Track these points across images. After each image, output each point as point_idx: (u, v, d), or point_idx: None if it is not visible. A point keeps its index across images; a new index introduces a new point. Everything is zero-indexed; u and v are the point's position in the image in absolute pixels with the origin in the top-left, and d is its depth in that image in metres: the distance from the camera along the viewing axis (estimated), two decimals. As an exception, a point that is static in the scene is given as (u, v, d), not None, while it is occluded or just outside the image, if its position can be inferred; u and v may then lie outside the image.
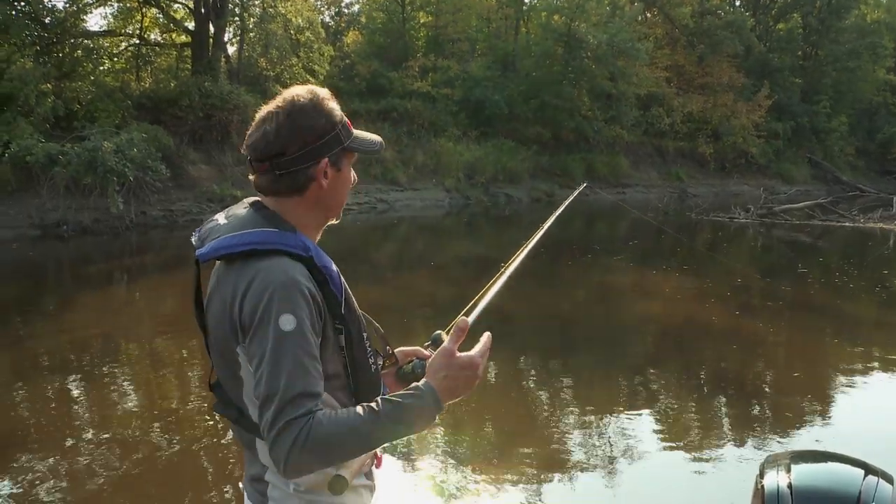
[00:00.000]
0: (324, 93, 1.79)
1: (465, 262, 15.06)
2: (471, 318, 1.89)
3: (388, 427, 1.58)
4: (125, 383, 7.30)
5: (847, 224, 22.70)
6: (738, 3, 47.42)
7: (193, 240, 1.78)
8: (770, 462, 2.55)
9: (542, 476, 5.28)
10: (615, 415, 6.61)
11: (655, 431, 6.32)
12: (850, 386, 7.75)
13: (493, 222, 24.32)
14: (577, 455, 5.68)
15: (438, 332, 1.92)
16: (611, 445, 5.90)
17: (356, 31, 38.09)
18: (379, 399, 1.60)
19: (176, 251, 16.31)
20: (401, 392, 1.63)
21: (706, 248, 19.34)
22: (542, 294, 12.28)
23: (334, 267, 1.74)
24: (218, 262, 1.71)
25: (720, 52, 41.50)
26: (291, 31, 25.30)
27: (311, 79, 25.95)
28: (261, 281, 1.58)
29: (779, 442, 5.93)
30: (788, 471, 2.42)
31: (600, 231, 23.91)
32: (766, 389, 7.76)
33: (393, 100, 29.74)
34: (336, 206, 1.85)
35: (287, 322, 1.54)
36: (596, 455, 5.68)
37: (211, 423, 6.10)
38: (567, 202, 2.66)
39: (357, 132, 1.84)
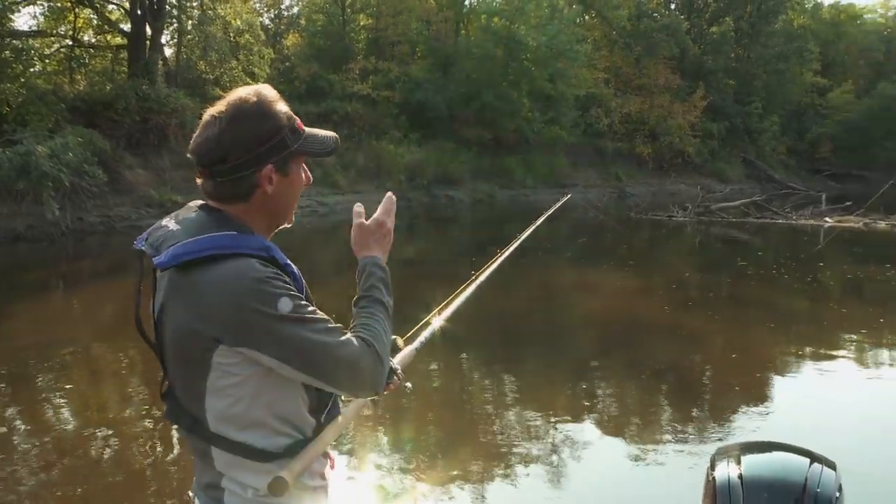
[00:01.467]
0: (271, 94, 1.72)
1: (408, 265, 15.08)
2: (444, 316, 2.18)
3: (389, 307, 1.84)
4: (63, 393, 7.11)
5: (780, 221, 23.33)
6: (673, 7, 48.33)
7: (141, 247, 1.69)
8: (720, 454, 2.65)
9: (487, 476, 5.30)
10: (560, 414, 6.67)
11: (601, 429, 6.40)
12: (787, 377, 8.00)
13: (435, 224, 24.38)
14: (522, 454, 5.69)
15: (394, 336, 1.94)
16: (557, 445, 5.93)
17: (296, 34, 37.84)
18: (367, 297, 1.83)
19: (114, 258, 16.01)
20: (365, 283, 1.86)
21: (647, 246, 19.69)
22: (484, 293, 12.36)
23: (295, 267, 1.71)
24: (169, 270, 1.63)
25: (656, 54, 42.33)
26: (231, 34, 25.01)
27: (251, 81, 25.67)
28: (234, 283, 1.55)
29: (724, 435, 6.03)
30: (738, 462, 2.52)
31: (542, 231, 24.10)
32: (709, 383, 7.94)
33: (333, 102, 29.62)
34: (284, 211, 1.80)
35: (284, 305, 1.56)
36: (541, 454, 5.72)
37: (153, 431, 6.03)
38: (550, 211, 2.78)
39: (309, 131, 1.79)
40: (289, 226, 1.85)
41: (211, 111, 1.69)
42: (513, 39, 32.91)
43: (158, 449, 5.68)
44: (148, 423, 6.18)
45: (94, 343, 9.08)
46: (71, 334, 9.50)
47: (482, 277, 2.47)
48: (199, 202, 1.76)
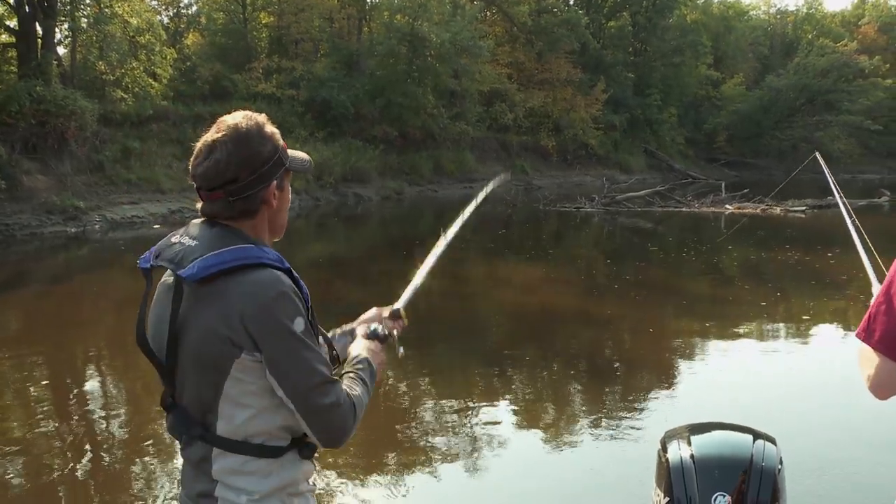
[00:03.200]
0: (261, 118, 1.88)
1: (320, 264, 15.01)
2: (400, 305, 2.34)
3: (370, 389, 1.95)
4: None
5: (684, 209, 24.14)
6: (572, 2, 49.20)
7: (151, 265, 1.82)
8: (669, 437, 2.84)
9: (408, 471, 5.36)
10: (487, 408, 6.76)
11: (532, 419, 6.55)
12: (707, 355, 8.35)
13: (345, 222, 24.31)
14: (446, 449, 5.76)
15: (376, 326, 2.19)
16: (497, 439, 5.98)
17: (196, 33, 36.98)
18: (358, 370, 1.96)
19: (16, 267, 15.44)
20: (355, 365, 1.98)
21: (557, 237, 20.07)
22: (393, 289, 12.39)
23: (302, 281, 1.84)
24: (183, 283, 1.74)
25: (557, 48, 43.03)
26: (130, 33, 24.26)
27: (153, 83, 25.03)
28: (263, 291, 1.70)
29: (659, 417, 6.19)
30: (689, 443, 2.72)
31: (449, 225, 24.28)
32: (631, 367, 8.20)
33: (238, 102, 28.90)
34: (282, 224, 1.96)
35: (299, 324, 1.72)
36: (475, 449, 5.77)
37: (69, 452, 5.90)
38: (486, 190, 2.89)
39: (289, 151, 1.94)
40: (278, 239, 1.97)
41: (209, 138, 1.81)
42: (416, 36, 32.94)
43: (67, 468, 5.56)
44: (57, 441, 6.03)
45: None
46: None
47: (450, 235, 2.82)
48: (201, 220, 1.86)
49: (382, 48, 33.19)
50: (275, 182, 1.85)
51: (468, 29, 34.65)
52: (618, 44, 49.60)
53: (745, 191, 26.05)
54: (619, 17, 50.48)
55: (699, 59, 52.76)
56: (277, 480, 1.79)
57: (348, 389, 1.83)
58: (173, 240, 1.83)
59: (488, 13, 45.16)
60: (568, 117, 42.13)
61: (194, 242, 1.77)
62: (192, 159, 1.84)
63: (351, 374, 1.93)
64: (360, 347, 2.07)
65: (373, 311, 2.31)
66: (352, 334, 2.21)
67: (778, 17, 69.86)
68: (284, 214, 1.96)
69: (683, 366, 8.08)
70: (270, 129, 1.88)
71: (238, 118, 1.84)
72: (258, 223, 1.86)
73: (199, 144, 1.83)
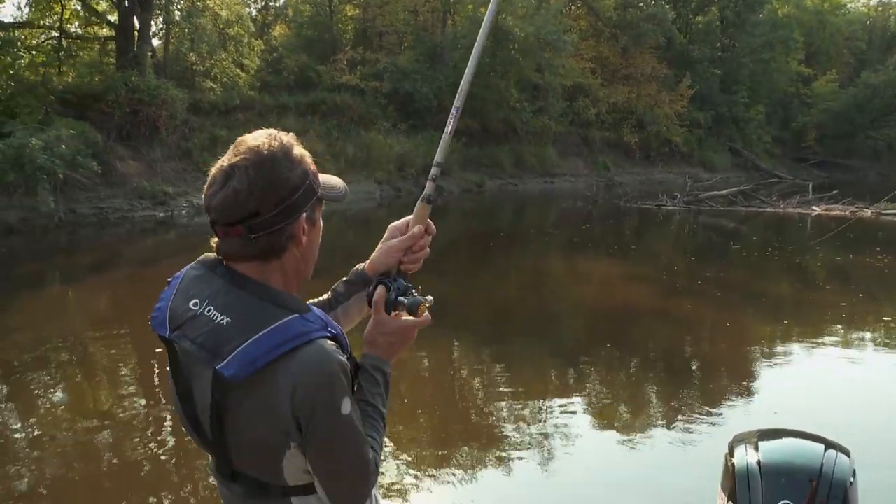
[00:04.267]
0: (289, 138, 1.60)
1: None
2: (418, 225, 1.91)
3: (385, 417, 1.69)
4: (56, 389, 7.13)
5: (767, 209, 23.55)
6: (658, -3, 48.46)
7: (176, 339, 1.57)
8: (737, 441, 2.75)
9: (479, 466, 5.35)
10: (559, 403, 6.69)
11: (610, 417, 6.50)
12: (789, 362, 8.12)
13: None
14: (518, 443, 5.73)
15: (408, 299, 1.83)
16: (569, 435, 5.94)
17: (283, 25, 37.73)
18: (371, 406, 1.66)
19: (108, 249, 16.04)
20: (370, 389, 1.68)
21: (635, 234, 19.84)
22: (475, 280, 12.49)
23: (335, 323, 1.60)
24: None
25: (643, 43, 42.40)
26: (220, 25, 24.93)
27: (240, 73, 25.66)
28: (311, 375, 1.46)
29: (732, 421, 6.10)
30: (756, 448, 2.63)
31: (530, 219, 24.28)
32: (709, 369, 8.04)
33: (322, 93, 29.51)
34: (313, 262, 1.69)
35: (346, 406, 1.49)
36: (546, 444, 5.74)
37: (147, 427, 6.10)
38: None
39: (320, 176, 1.67)
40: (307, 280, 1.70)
41: (226, 161, 1.53)
42: (500, 30, 32.86)
43: (154, 445, 5.70)
44: (142, 420, 6.22)
45: (88, 338, 8.97)
46: (65, 328, 9.44)
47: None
48: (211, 260, 1.64)
49: (466, 41, 33.19)
50: (304, 214, 1.57)
51: (552, 23, 34.42)
52: (705, 39, 48.50)
53: (834, 192, 25.23)
54: (707, 11, 49.37)
55: (790, 54, 51.26)
56: None
57: (371, 443, 1.60)
58: (197, 310, 1.55)
59: (573, 7, 44.75)
60: (652, 113, 41.53)
61: (225, 319, 1.49)
62: (205, 187, 1.55)
63: (369, 410, 1.65)
64: (376, 346, 1.74)
65: (390, 254, 1.89)
66: (368, 298, 1.84)
67: (880, 9, 66.95)
68: (315, 252, 1.68)
69: (761, 369, 7.91)
70: (299, 151, 1.59)
71: (261, 138, 1.55)
72: (286, 264, 1.59)
73: (213, 169, 1.55)
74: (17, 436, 5.86)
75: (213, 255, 1.64)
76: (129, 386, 7.25)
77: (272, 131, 1.59)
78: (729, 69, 48.18)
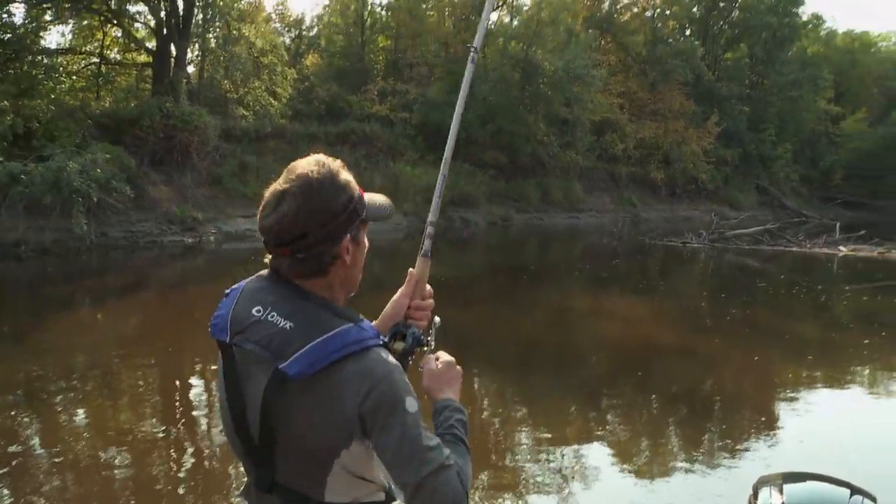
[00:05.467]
0: (335, 164, 1.71)
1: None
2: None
3: (467, 445, 1.77)
4: (84, 409, 7.19)
5: (794, 249, 23.44)
6: (688, 33, 48.57)
7: (239, 342, 1.67)
8: (762, 483, 2.78)
9: (498, 502, 5.34)
10: (581, 439, 6.67)
11: (614, 455, 6.44)
12: (815, 404, 8.02)
13: (451, 245, 24.51)
14: (538, 482, 5.71)
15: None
16: (590, 473, 5.96)
17: (316, 54, 38.23)
18: (448, 434, 1.75)
19: (137, 273, 16.29)
20: (444, 423, 1.79)
21: (660, 271, 19.83)
22: (499, 316, 12.53)
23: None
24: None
25: (671, 79, 42.47)
26: (254, 54, 25.36)
27: (273, 102, 26.04)
28: (375, 378, 1.57)
29: (756, 463, 6.02)
30: (781, 491, 2.65)
31: (556, 254, 24.32)
32: (733, 410, 7.93)
33: (352, 123, 29.88)
34: (357, 280, 1.80)
35: (412, 404, 1.59)
36: (567, 482, 5.74)
37: (172, 448, 6.18)
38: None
39: (367, 195, 1.79)
40: (352, 294, 1.81)
41: (277, 187, 1.66)
42: (530, 63, 33.18)
43: (176, 467, 5.78)
44: (167, 441, 6.28)
45: (115, 360, 9.03)
46: (96, 349, 9.55)
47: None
48: (269, 274, 1.75)
49: (496, 74, 33.49)
50: (349, 235, 1.69)
51: (582, 57, 34.61)
52: (733, 76, 48.54)
53: (862, 232, 25.06)
54: (736, 48, 49.47)
55: (819, 93, 51.07)
56: None
57: (455, 464, 1.64)
58: (255, 311, 1.67)
59: (602, 42, 45.00)
60: (679, 150, 41.51)
61: (288, 324, 1.61)
62: (259, 209, 1.68)
63: (448, 438, 1.73)
64: (441, 390, 1.87)
65: (399, 305, 2.05)
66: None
67: (911, 48, 66.58)
68: (360, 269, 1.79)
69: (785, 410, 7.86)
70: (345, 176, 1.70)
71: (310, 165, 1.67)
72: (332, 281, 1.71)
73: (266, 194, 1.68)
74: (40, 456, 5.92)
75: (268, 271, 1.76)
76: (153, 408, 7.31)
77: (321, 157, 1.70)
78: (757, 107, 48.11)
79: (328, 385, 1.56)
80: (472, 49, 2.28)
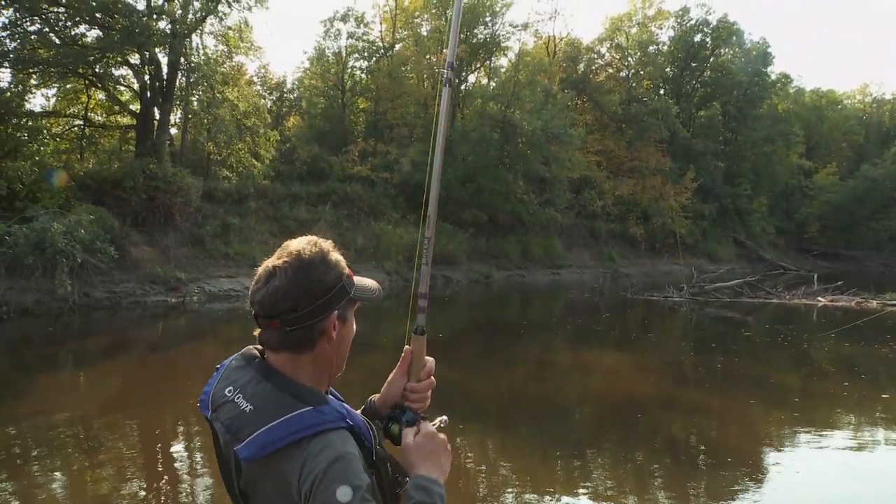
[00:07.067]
0: (327, 245, 1.79)
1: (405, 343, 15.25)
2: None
3: None
4: (68, 471, 7.12)
5: (774, 300, 23.72)
6: (662, 92, 49.62)
7: (212, 419, 1.76)
8: None
9: None
10: (565, 495, 6.70)
11: None
12: (793, 453, 8.09)
13: (434, 303, 24.48)
14: None
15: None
16: None
17: (297, 116, 38.70)
18: None
19: (119, 334, 16.18)
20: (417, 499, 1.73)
21: (642, 325, 19.97)
22: (481, 370, 12.58)
23: (360, 417, 1.78)
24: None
25: (647, 137, 43.39)
26: (237, 116, 25.66)
27: (256, 163, 26.27)
28: (315, 462, 1.57)
29: None
30: None
31: (537, 310, 24.43)
32: (712, 461, 8.04)
33: (333, 183, 30.17)
34: (343, 358, 1.84)
35: (344, 493, 1.54)
36: None
37: None
38: None
39: (356, 278, 1.85)
40: (339, 374, 1.85)
41: (271, 263, 1.74)
42: (508, 123, 33.71)
43: None
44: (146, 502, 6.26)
45: (97, 423, 8.95)
46: (75, 412, 9.39)
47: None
48: (250, 353, 1.82)
49: (475, 134, 33.95)
50: (335, 312, 1.75)
51: (559, 117, 35.29)
52: (708, 133, 49.64)
53: (839, 283, 25.42)
54: (709, 106, 50.62)
55: (791, 148, 52.40)
56: None
57: None
58: (230, 396, 1.74)
59: (579, 101, 45.87)
60: (657, 205, 42.18)
61: (248, 406, 1.68)
62: (252, 283, 1.76)
63: None
64: (409, 467, 1.83)
65: (392, 387, 2.04)
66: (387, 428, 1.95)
67: (874, 105, 68.75)
68: (346, 348, 1.84)
69: (769, 461, 7.91)
70: (336, 256, 1.78)
71: (302, 244, 1.76)
72: (317, 356, 1.76)
73: (260, 269, 1.76)
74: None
75: (253, 348, 1.84)
76: (133, 473, 7.20)
77: (313, 238, 1.79)
78: (732, 162, 49.19)
79: (279, 467, 1.61)
80: (445, 70, 2.21)
